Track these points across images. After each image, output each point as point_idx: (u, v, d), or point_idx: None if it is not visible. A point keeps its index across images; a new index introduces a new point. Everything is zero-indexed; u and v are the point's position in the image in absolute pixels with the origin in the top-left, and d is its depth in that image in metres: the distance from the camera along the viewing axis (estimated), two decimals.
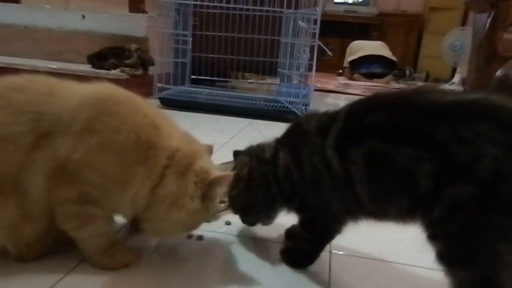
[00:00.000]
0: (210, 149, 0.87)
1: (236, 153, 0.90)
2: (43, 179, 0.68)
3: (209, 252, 0.86)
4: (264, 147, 0.85)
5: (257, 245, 0.89)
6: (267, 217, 0.86)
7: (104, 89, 0.74)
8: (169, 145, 0.73)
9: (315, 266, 0.81)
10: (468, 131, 0.57)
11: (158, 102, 2.38)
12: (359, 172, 0.66)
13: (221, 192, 0.79)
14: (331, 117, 0.73)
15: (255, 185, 0.82)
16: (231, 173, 0.77)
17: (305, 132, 0.76)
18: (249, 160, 0.82)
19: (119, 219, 0.84)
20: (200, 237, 0.89)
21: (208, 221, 0.97)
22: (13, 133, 0.67)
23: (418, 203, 0.63)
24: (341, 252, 0.87)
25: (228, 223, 0.97)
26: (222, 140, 1.69)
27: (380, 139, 0.64)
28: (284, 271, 0.80)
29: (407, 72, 5.62)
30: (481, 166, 0.55)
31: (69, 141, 0.67)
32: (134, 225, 0.90)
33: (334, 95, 3.70)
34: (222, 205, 1.04)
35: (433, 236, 0.62)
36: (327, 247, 0.87)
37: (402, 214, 0.67)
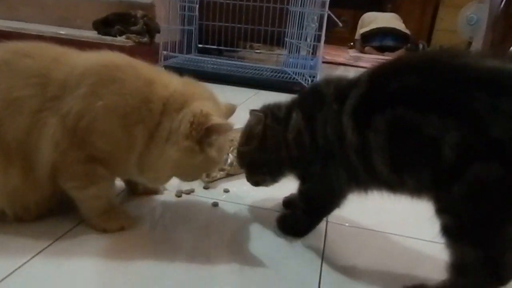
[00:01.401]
0: (232, 108, 0.86)
1: (253, 112, 0.86)
2: (50, 142, 0.69)
3: (206, 218, 0.86)
4: (281, 105, 0.82)
5: (254, 213, 0.90)
6: (272, 179, 0.85)
7: (107, 56, 0.75)
8: (164, 93, 0.73)
9: (310, 235, 0.82)
10: (507, 104, 0.52)
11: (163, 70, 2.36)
12: (380, 141, 0.62)
13: (219, 144, 0.75)
14: (351, 82, 0.69)
15: (267, 145, 0.80)
16: (231, 123, 0.74)
17: (322, 95, 0.72)
18: (264, 117, 0.79)
19: (118, 184, 0.85)
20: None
21: (206, 188, 0.98)
22: (21, 97, 0.68)
23: (439, 176, 0.58)
24: (337, 222, 0.87)
25: (226, 191, 0.97)
26: None
27: (406, 105, 0.59)
28: (279, 238, 0.80)
29: (421, 46, 5.47)
30: None
31: (75, 105, 0.68)
32: (132, 189, 0.92)
33: (344, 68, 3.63)
34: (221, 172, 1.04)
35: (444, 210, 0.59)
36: None
37: (420, 187, 0.63)
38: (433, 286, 0.64)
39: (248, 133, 0.82)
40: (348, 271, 0.73)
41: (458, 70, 0.58)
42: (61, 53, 0.74)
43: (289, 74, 2.29)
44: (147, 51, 2.49)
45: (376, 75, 0.66)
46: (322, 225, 0.84)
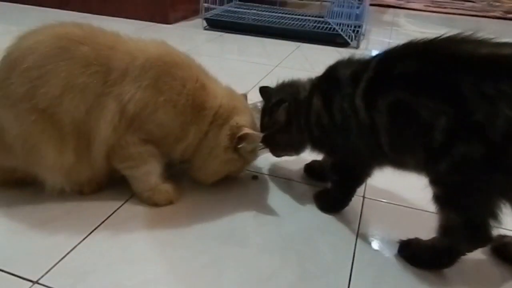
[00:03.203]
0: (245, 98, 0.95)
1: (263, 90, 0.93)
2: (109, 125, 0.75)
3: (246, 191, 0.91)
4: (299, 87, 0.86)
5: (293, 187, 0.94)
6: (296, 153, 0.92)
7: (164, 50, 0.81)
8: (215, 104, 0.82)
9: (346, 210, 0.85)
10: (491, 89, 0.56)
11: (204, 23, 2.35)
12: (382, 122, 0.67)
13: (250, 147, 0.85)
14: (364, 65, 0.72)
15: (290, 129, 0.85)
16: (259, 134, 0.84)
17: (339, 80, 0.75)
18: (288, 106, 0.83)
19: None
20: (255, 177, 0.96)
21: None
22: (82, 83, 0.73)
23: (431, 156, 0.64)
24: (373, 198, 0.89)
25: (255, 178, 0.96)
26: (268, 68, 1.67)
27: (405, 89, 0.64)
28: (316, 213, 0.84)
29: None
30: (494, 127, 0.56)
31: (137, 95, 0.74)
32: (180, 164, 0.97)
33: (393, 11, 3.41)
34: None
35: (434, 182, 0.66)
36: (361, 192, 0.89)
37: (418, 166, 0.69)
38: (424, 242, 0.73)
39: (271, 118, 0.87)
40: (382, 247, 0.76)
41: (454, 56, 0.61)
42: (114, 40, 0.79)
43: (331, 25, 2.19)
44: (188, 1, 2.47)
45: (383, 60, 0.71)
46: (358, 201, 0.87)
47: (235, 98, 0.87)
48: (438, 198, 0.66)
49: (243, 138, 0.82)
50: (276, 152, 0.93)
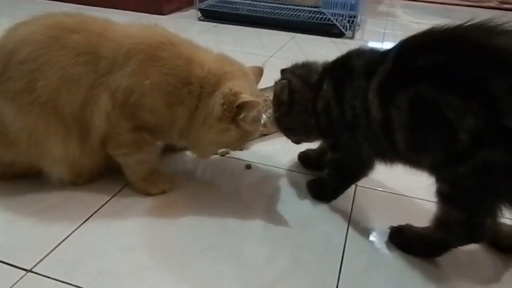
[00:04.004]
0: (259, 71, 0.89)
1: (283, 71, 0.88)
2: (103, 115, 0.75)
3: (239, 179, 0.92)
4: (311, 70, 0.83)
5: (286, 175, 0.94)
6: (308, 139, 0.91)
7: (149, 33, 0.78)
8: (201, 73, 0.76)
9: (339, 198, 0.85)
10: None
11: (199, 13, 2.33)
12: (400, 118, 0.63)
13: (252, 115, 0.77)
14: (381, 57, 0.69)
15: (296, 111, 0.82)
16: (259, 100, 0.77)
17: (353, 69, 0.72)
18: (288, 84, 0.81)
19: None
20: (249, 166, 0.95)
21: (240, 149, 1.02)
22: (75, 73, 0.73)
23: (452, 159, 0.60)
24: (366, 186, 0.90)
25: (249, 167, 0.96)
26: (263, 58, 1.67)
27: (429, 84, 0.59)
28: (308, 201, 0.85)
29: None
30: None
31: (124, 82, 0.73)
32: (171, 147, 0.98)
33: (389, 1, 3.40)
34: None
35: (445, 180, 0.63)
36: None
37: (434, 167, 0.65)
38: (416, 229, 0.73)
39: (277, 100, 0.84)
40: (374, 235, 0.77)
41: (486, 50, 0.56)
42: (103, 27, 0.77)
43: (326, 15, 2.19)
44: None
45: (403, 51, 0.66)
46: (350, 189, 0.87)
47: (229, 64, 0.80)
48: (443, 194, 0.65)
49: (241, 106, 0.73)
50: (289, 136, 0.90)
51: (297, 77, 0.83)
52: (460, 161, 0.59)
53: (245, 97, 0.73)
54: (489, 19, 0.59)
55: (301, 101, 0.82)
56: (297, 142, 0.92)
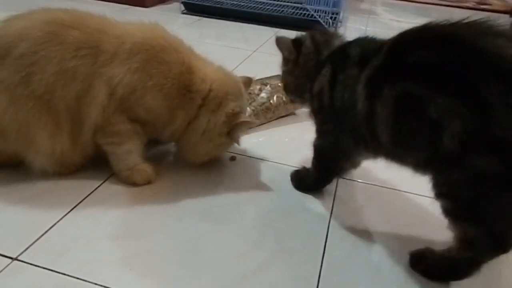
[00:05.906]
0: (249, 82, 0.97)
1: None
2: (99, 107, 0.76)
3: (224, 171, 0.93)
4: (328, 42, 0.81)
5: (270, 167, 0.96)
6: (302, 106, 0.94)
7: (152, 34, 0.81)
8: (203, 87, 0.83)
9: (321, 189, 0.88)
10: None
11: (182, 6, 2.32)
12: (385, 113, 0.63)
13: (243, 133, 0.91)
14: (376, 48, 0.68)
15: (297, 73, 0.83)
16: (255, 121, 0.94)
17: (349, 56, 0.73)
18: (294, 47, 0.82)
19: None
20: (233, 158, 0.98)
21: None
22: (73, 66, 0.74)
23: (435, 159, 0.60)
24: (348, 178, 0.93)
25: (233, 159, 0.98)
26: (246, 53, 1.68)
27: (417, 81, 0.59)
28: (292, 192, 0.87)
29: None
30: None
31: (125, 78, 0.75)
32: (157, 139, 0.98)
33: (370, 0, 3.46)
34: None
35: (443, 195, 0.62)
36: None
37: (417, 164, 0.65)
38: (439, 252, 0.67)
39: (288, 55, 0.85)
40: (355, 225, 0.79)
41: (479, 53, 0.54)
42: (103, 23, 0.79)
43: (309, 11, 2.21)
44: None
45: (395, 46, 0.65)
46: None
47: (228, 83, 0.87)
48: (448, 211, 0.62)
49: (239, 124, 0.85)
50: (287, 93, 0.91)
51: (315, 41, 0.82)
52: (447, 165, 0.58)
53: (244, 117, 0.86)
54: (486, 18, 0.57)
55: (303, 68, 0.82)
56: (292, 101, 0.94)
